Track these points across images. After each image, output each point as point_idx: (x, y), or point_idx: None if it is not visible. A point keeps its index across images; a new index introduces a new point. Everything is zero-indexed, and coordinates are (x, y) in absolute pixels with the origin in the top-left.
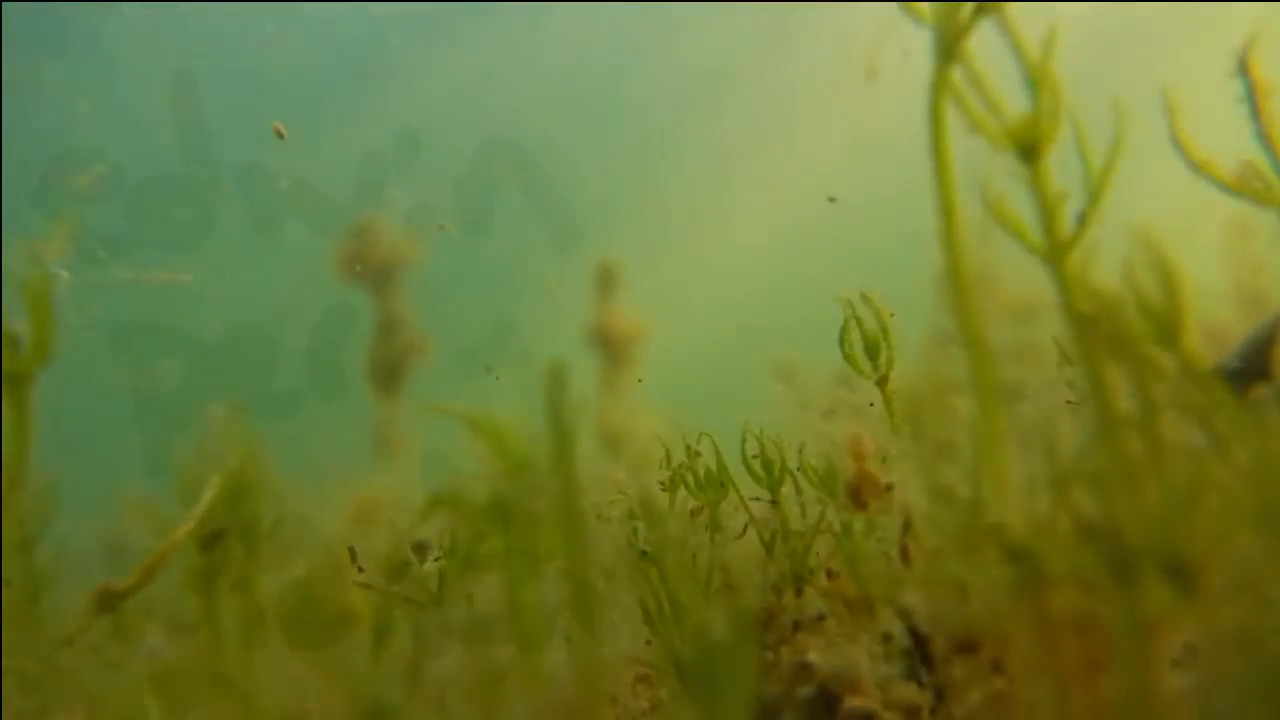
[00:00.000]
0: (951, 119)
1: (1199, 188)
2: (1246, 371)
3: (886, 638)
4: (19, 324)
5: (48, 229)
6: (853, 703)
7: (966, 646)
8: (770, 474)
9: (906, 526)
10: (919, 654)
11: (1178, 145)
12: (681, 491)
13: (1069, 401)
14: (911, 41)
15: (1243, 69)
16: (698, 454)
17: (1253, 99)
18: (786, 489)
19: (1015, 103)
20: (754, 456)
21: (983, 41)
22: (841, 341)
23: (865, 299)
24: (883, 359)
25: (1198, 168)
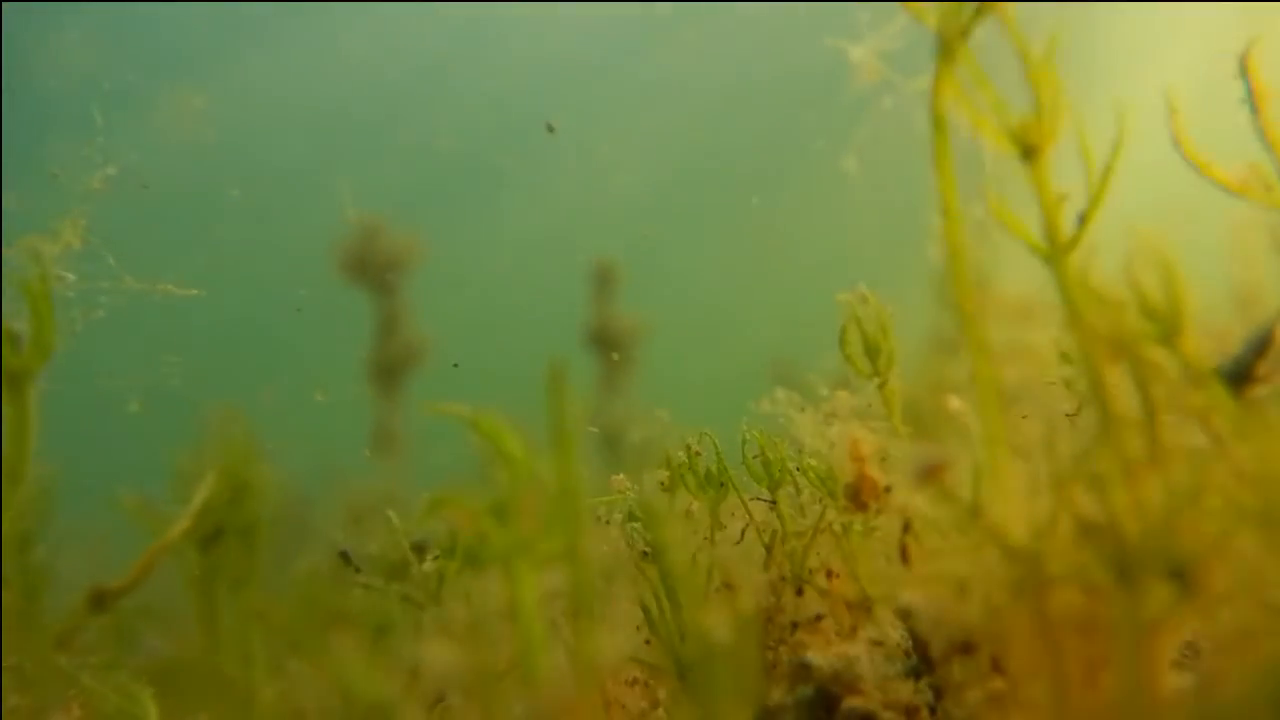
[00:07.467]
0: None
1: (1203, 189)
2: (1243, 372)
3: (886, 638)
4: (19, 322)
5: (49, 227)
6: (852, 703)
7: (966, 647)
8: (770, 474)
9: (906, 527)
10: (918, 654)
11: (1178, 147)
12: (681, 492)
13: (1068, 405)
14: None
15: (1243, 71)
16: (698, 454)
17: (1254, 101)
18: (786, 489)
19: (1016, 103)
20: (754, 457)
21: (983, 42)
22: (841, 342)
23: (864, 299)
24: (882, 360)
25: (1199, 170)
